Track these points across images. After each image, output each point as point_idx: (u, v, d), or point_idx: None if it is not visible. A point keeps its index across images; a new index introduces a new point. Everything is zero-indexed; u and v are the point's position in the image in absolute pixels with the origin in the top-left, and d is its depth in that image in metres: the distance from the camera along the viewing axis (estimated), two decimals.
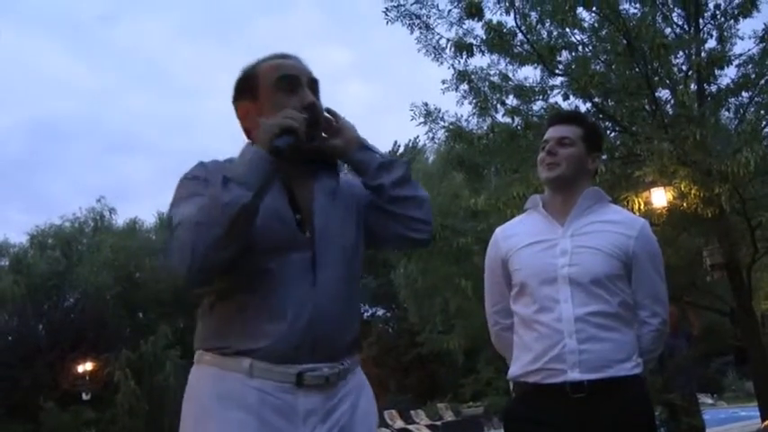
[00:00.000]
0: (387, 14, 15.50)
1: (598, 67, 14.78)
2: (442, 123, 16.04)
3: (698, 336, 18.49)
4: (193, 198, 2.48)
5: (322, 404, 2.54)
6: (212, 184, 2.46)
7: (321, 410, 2.53)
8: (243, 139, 2.78)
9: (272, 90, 2.68)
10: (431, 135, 16.49)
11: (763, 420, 14.00)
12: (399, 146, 51.98)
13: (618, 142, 15.23)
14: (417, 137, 47.46)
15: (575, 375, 3.30)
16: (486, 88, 15.47)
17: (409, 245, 2.96)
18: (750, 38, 14.90)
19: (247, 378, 2.46)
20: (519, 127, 15.41)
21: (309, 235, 2.61)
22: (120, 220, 48.05)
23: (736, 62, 14.73)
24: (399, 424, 32.55)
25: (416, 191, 2.83)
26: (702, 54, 14.31)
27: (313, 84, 2.76)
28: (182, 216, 2.43)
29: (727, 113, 15.45)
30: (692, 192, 12.62)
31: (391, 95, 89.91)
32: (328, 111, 2.81)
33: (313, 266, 2.58)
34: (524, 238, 3.61)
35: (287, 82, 2.69)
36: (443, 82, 15.80)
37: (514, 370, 3.55)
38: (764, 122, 14.41)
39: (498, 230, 3.82)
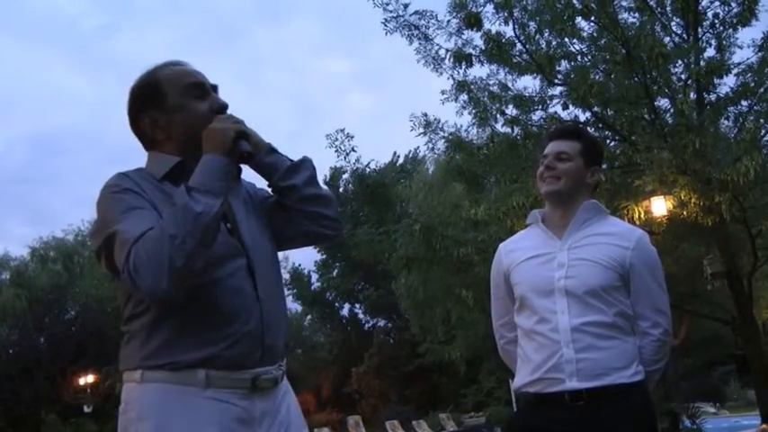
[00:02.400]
0: (386, 25, 15.55)
1: (597, 77, 14.80)
2: (441, 134, 16.12)
3: (680, 346, 18.45)
4: (136, 212, 2.43)
5: (272, 405, 2.56)
6: (152, 193, 2.50)
7: (272, 412, 2.55)
8: (142, 152, 2.73)
9: (182, 97, 2.66)
10: (431, 145, 16.57)
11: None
12: (399, 156, 52.03)
13: (617, 151, 15.24)
14: (417, 147, 47.57)
15: (573, 384, 3.31)
16: (485, 98, 15.51)
17: (317, 241, 3.02)
18: (749, 47, 14.99)
19: (202, 389, 2.43)
20: (518, 137, 15.45)
21: (239, 243, 2.62)
22: None
23: (735, 71, 14.79)
24: None
25: (323, 190, 2.86)
26: (701, 63, 14.33)
27: (215, 89, 2.76)
28: (135, 231, 2.34)
29: (726, 122, 15.50)
30: (692, 200, 12.64)
31: (391, 106, 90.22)
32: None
33: (251, 273, 2.59)
34: (524, 253, 3.64)
35: (197, 89, 2.68)
36: (443, 92, 15.87)
37: (517, 381, 3.57)
38: (764, 131, 14.43)
39: (501, 246, 3.86)
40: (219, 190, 2.40)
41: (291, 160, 2.83)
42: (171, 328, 2.46)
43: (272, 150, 2.81)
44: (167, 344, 2.45)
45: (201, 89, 2.69)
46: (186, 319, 2.46)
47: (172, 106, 2.65)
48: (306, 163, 2.84)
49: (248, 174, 2.82)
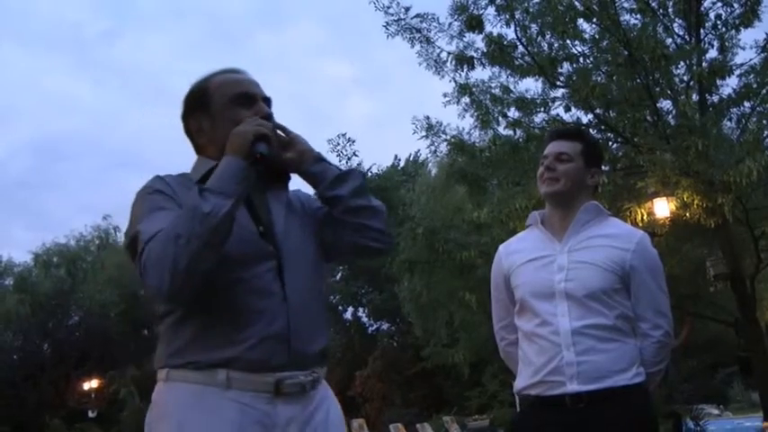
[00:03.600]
0: (387, 28, 15.55)
1: (599, 79, 14.77)
2: (443, 136, 16.10)
3: (681, 347, 18.41)
4: (159, 212, 2.47)
5: (300, 412, 2.53)
6: (185, 196, 2.47)
7: (300, 419, 2.52)
8: (192, 155, 2.77)
9: (228, 104, 2.69)
10: (433, 148, 16.54)
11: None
12: (400, 159, 51.94)
13: (620, 153, 15.25)
14: (418, 150, 47.51)
15: (573, 387, 3.31)
16: (487, 101, 15.49)
17: (365, 254, 2.96)
18: (751, 47, 14.96)
19: (224, 390, 2.43)
20: (521, 139, 15.42)
21: (272, 246, 2.61)
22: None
23: (737, 72, 14.79)
24: None
25: (372, 201, 2.84)
26: (704, 64, 14.32)
27: (266, 101, 2.77)
28: (151, 230, 2.38)
29: (729, 123, 15.49)
30: (695, 202, 12.63)
31: (393, 109, 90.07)
32: (279, 127, 2.78)
33: (280, 275, 2.58)
34: (524, 255, 3.63)
35: (243, 97, 2.71)
36: (445, 95, 15.84)
37: (518, 383, 3.57)
38: (767, 132, 14.39)
39: (501, 247, 3.85)
40: (232, 192, 2.40)
41: (340, 170, 2.82)
42: (194, 328, 2.50)
43: (320, 159, 2.81)
44: (190, 343, 2.50)
45: (248, 98, 2.71)
46: (209, 319, 2.49)
47: (216, 112, 2.70)
48: (353, 173, 2.84)
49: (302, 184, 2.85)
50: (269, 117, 2.69)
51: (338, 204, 2.77)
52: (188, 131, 2.80)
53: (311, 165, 2.77)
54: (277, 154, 2.65)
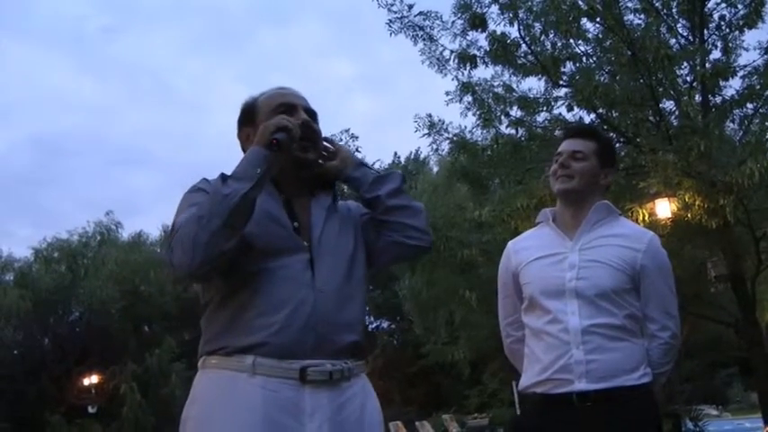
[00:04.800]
0: (390, 26, 15.55)
1: (602, 79, 14.81)
2: (446, 135, 16.08)
3: (680, 347, 18.45)
4: (194, 206, 2.59)
5: (329, 402, 2.59)
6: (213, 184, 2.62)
7: (328, 408, 2.58)
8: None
9: (270, 114, 2.83)
10: (435, 147, 16.53)
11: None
12: (400, 157, 51.86)
13: (622, 153, 15.22)
14: (418, 148, 47.45)
15: (581, 385, 3.31)
16: (489, 100, 15.50)
17: (407, 252, 3.05)
18: (755, 49, 15.00)
19: (250, 376, 2.54)
20: (523, 138, 15.45)
21: (306, 242, 2.75)
22: (125, 233, 47.87)
23: (740, 73, 14.81)
24: None
25: (411, 201, 3.00)
26: (707, 65, 14.33)
27: (309, 114, 2.92)
28: (182, 220, 2.56)
29: (731, 125, 15.52)
30: (697, 203, 12.64)
31: (395, 108, 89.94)
32: (326, 139, 3.00)
33: (311, 267, 2.70)
34: (534, 252, 3.63)
35: (283, 107, 2.86)
36: (447, 93, 15.84)
37: (524, 381, 3.57)
38: None
39: (510, 244, 3.85)
40: (251, 176, 2.55)
41: (379, 173, 3.01)
42: (226, 316, 2.64)
43: (361, 164, 3.02)
44: (222, 330, 2.64)
45: (288, 107, 2.87)
46: (238, 306, 2.62)
47: (260, 122, 2.81)
48: (392, 176, 3.02)
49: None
50: (306, 123, 2.82)
51: (378, 205, 2.94)
52: (240, 145, 2.97)
53: (352, 170, 2.97)
54: (296, 148, 2.78)
